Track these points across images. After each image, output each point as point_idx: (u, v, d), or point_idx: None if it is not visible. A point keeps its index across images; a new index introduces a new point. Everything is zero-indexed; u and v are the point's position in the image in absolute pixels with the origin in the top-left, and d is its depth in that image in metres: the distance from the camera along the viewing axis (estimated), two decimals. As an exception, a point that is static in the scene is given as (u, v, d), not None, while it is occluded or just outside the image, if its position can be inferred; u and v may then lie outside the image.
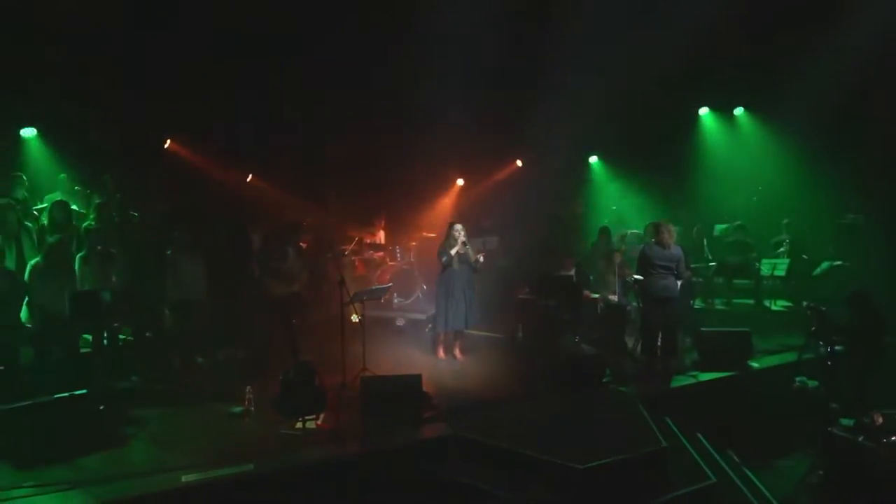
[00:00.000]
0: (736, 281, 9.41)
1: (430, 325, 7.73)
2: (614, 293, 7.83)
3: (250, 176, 10.09)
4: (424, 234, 10.27)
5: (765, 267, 8.98)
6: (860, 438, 4.98)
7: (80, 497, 4.12)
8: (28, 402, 4.82)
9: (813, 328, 6.48)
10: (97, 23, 7.85)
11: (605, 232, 9.44)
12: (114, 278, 6.26)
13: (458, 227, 7.04)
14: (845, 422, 5.28)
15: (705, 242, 9.52)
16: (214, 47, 8.79)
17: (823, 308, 6.52)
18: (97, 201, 7.62)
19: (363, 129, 10.21)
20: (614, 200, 11.20)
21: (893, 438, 4.87)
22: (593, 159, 12.09)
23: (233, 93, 9.26)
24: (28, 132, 8.19)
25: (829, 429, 5.24)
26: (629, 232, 9.77)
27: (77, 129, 8.50)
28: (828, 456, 5.23)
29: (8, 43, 7.55)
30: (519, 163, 11.95)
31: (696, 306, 8.61)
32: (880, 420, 5.10)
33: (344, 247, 9.40)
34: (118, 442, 4.92)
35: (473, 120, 10.23)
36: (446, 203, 11.41)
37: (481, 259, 7.17)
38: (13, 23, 7.54)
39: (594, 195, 11.64)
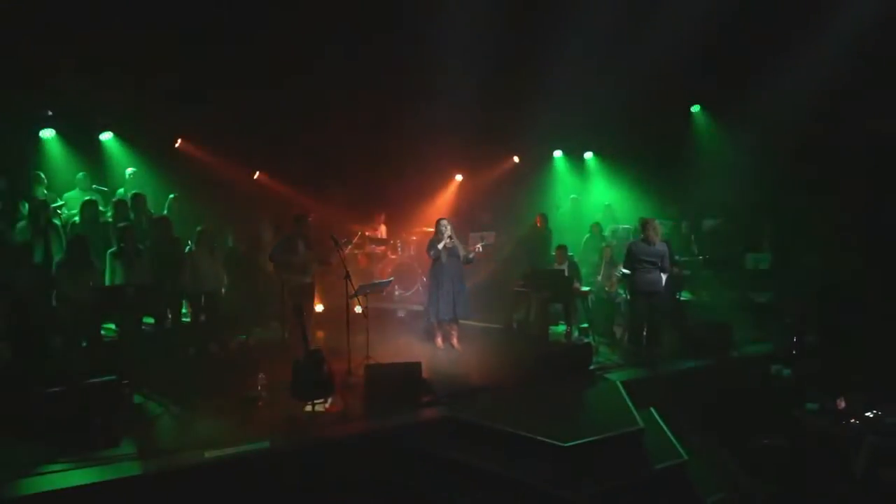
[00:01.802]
0: (722, 274, 9.83)
1: (427, 317, 8.16)
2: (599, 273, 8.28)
3: (257, 173, 10.49)
4: (424, 228, 10.68)
5: (750, 261, 9.39)
6: (822, 420, 5.45)
7: (112, 471, 4.58)
8: (62, 388, 5.29)
9: (788, 320, 6.98)
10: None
11: (597, 227, 9.91)
12: (141, 273, 6.73)
13: (445, 222, 7.40)
14: (811, 405, 5.75)
15: (693, 237, 9.96)
16: (217, 46, 9.15)
17: (800, 301, 7.01)
18: (114, 199, 8.13)
19: (364, 126, 10.58)
20: (607, 196, 11.58)
21: (852, 420, 5.33)
22: (588, 156, 12.45)
23: (240, 92, 9.63)
24: (47, 133, 8.60)
25: (796, 412, 5.71)
26: (620, 227, 10.22)
27: (92, 129, 8.97)
28: (794, 436, 5.70)
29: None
30: (516, 159, 12.32)
31: (682, 298, 9.03)
32: (842, 404, 5.57)
33: (347, 241, 9.82)
34: (145, 422, 5.39)
35: (471, 117, 10.61)
36: (445, 198, 11.81)
37: (480, 248, 7.54)
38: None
39: (587, 191, 12.04)
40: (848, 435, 5.17)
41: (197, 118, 9.45)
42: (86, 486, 4.41)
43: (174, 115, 9.23)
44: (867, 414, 5.29)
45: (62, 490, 4.35)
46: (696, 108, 11.80)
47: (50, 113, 8.71)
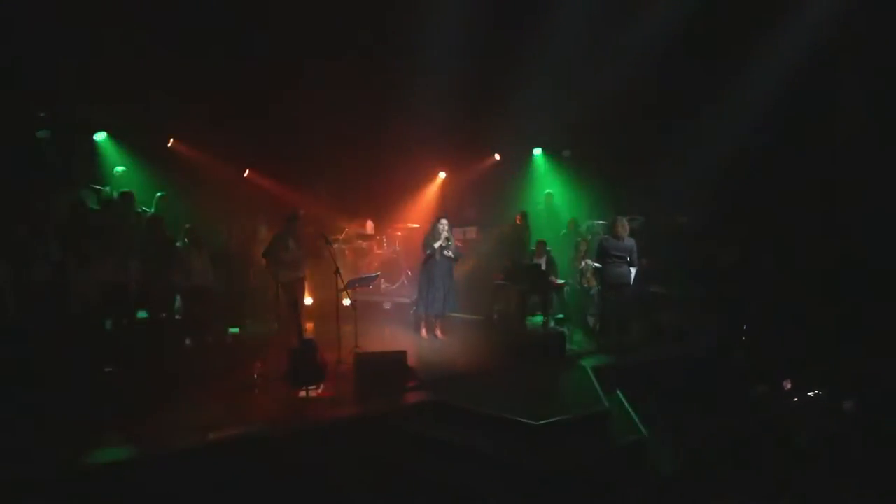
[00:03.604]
0: (689, 267, 10.40)
1: (413, 308, 8.63)
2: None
3: (247, 171, 10.82)
4: (409, 224, 11.14)
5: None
6: (770, 400, 6.03)
7: (122, 453, 4.97)
8: (71, 378, 5.68)
9: (747, 310, 7.57)
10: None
11: (573, 223, 10.42)
12: (133, 270, 7.08)
13: (444, 222, 7.79)
14: (761, 387, 6.34)
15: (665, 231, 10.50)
16: (208, 47, 9.46)
17: (755, 292, 7.58)
18: (106, 198, 8.45)
19: (352, 126, 10.95)
20: (584, 192, 12.08)
21: (795, 399, 5.91)
22: (566, 153, 12.92)
23: (228, 92, 9.95)
24: (43, 133, 8.87)
25: (748, 392, 6.29)
26: (595, 223, 10.74)
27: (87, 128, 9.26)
28: (745, 415, 6.27)
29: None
30: (497, 156, 12.76)
31: (651, 290, 9.57)
32: (788, 385, 6.16)
33: (335, 237, 10.23)
34: (151, 408, 5.77)
35: (454, 117, 11.03)
36: (430, 195, 12.24)
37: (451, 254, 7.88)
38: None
39: (567, 187, 12.53)
40: (791, 413, 5.75)
41: (188, 118, 9.76)
42: (97, 465, 4.77)
43: (167, 115, 9.53)
44: (809, 394, 5.87)
45: (76, 469, 4.72)
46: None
47: (43, 114, 8.97)
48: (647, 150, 11.82)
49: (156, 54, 8.90)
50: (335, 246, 9.51)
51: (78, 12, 8.21)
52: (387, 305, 9.73)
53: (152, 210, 8.30)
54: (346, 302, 7.39)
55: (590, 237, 9.84)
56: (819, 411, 5.66)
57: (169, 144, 9.95)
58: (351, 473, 5.38)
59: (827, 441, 5.47)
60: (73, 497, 4.60)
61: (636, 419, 5.96)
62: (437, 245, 7.68)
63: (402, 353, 6.42)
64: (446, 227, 7.74)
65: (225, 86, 9.79)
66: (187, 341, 7.58)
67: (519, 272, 8.78)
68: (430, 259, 7.79)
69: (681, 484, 5.58)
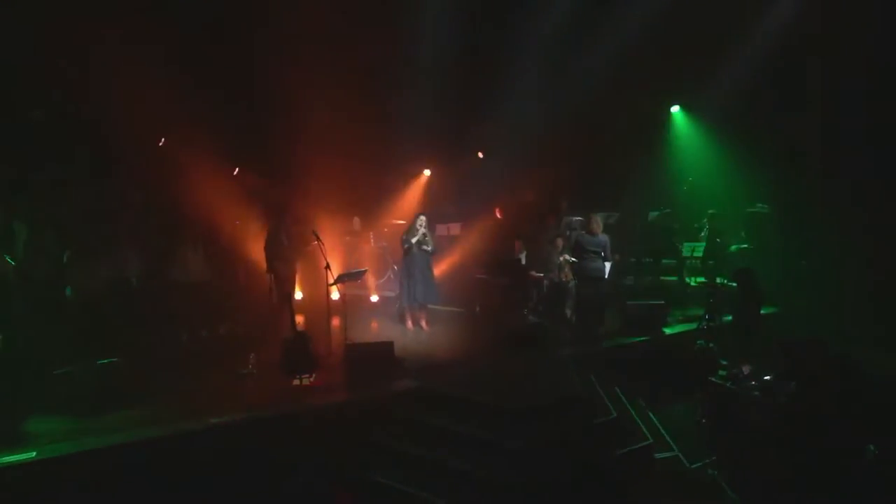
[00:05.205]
0: (663, 261, 10.95)
1: (399, 302, 9.03)
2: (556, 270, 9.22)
3: (237, 170, 11.10)
4: (394, 221, 11.52)
5: (686, 249, 10.53)
6: (729, 384, 6.54)
7: (128, 437, 5.30)
8: (76, 368, 5.98)
9: (711, 300, 8.10)
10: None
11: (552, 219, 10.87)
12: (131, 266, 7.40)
13: (423, 219, 8.28)
14: (721, 372, 6.84)
15: (638, 227, 11.04)
16: (201, 45, 9.70)
17: (720, 284, 8.10)
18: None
19: (341, 126, 11.27)
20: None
21: (752, 382, 6.42)
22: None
23: (216, 91, 10.20)
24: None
25: (709, 377, 6.80)
26: (574, 219, 11.21)
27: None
28: (707, 398, 6.78)
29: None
30: (480, 154, 13.18)
31: (626, 283, 10.09)
32: (747, 370, 6.66)
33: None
34: (152, 397, 6.11)
35: (440, 115, 11.41)
36: (415, 192, 12.63)
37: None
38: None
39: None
40: (746, 394, 6.25)
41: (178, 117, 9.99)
42: (101, 449, 5.08)
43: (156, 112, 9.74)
44: (765, 378, 6.38)
45: (82, 452, 5.03)
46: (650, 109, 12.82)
47: (38, 112, 9.17)
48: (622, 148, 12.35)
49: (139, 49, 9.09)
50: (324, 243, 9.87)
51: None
52: (374, 299, 10.11)
53: None
54: (335, 296, 7.76)
55: (568, 233, 10.30)
56: (768, 393, 6.15)
57: (160, 143, 10.18)
58: (344, 454, 5.79)
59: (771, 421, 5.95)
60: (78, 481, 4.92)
61: (607, 401, 6.43)
62: (414, 240, 8.12)
63: (390, 344, 6.81)
64: (424, 224, 8.18)
65: (213, 84, 10.03)
66: (184, 335, 7.90)
67: (500, 267, 9.22)
68: (407, 253, 8.22)
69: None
